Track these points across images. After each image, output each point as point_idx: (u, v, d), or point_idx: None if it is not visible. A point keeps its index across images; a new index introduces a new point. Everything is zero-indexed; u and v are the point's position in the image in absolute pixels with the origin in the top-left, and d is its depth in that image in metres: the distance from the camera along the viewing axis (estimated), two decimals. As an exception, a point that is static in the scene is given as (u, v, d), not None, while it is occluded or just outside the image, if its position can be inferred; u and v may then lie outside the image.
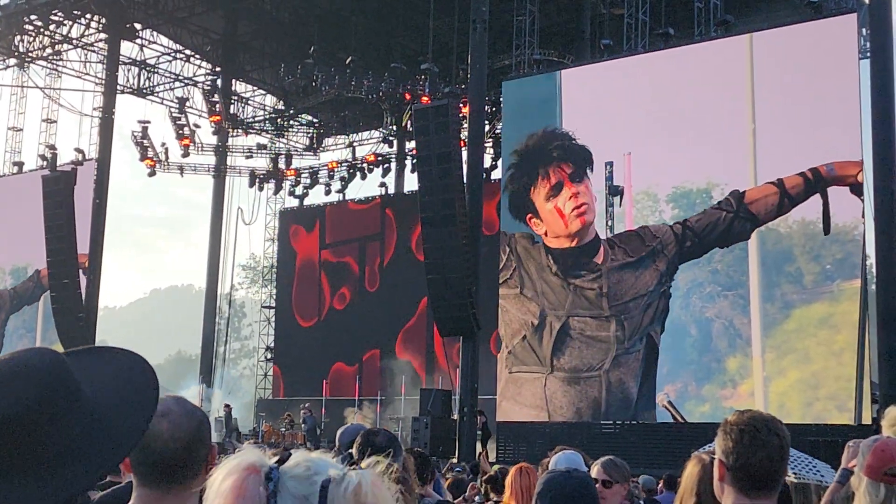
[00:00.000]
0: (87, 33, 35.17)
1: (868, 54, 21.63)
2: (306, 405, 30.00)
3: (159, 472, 2.40)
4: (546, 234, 23.65)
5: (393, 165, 39.65)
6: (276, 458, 1.56)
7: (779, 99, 20.99)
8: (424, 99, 28.28)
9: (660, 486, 12.17)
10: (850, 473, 4.06)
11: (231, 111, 39.44)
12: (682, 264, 21.72)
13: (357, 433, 4.18)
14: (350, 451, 1.71)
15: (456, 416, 23.98)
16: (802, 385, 20.21)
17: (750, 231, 21.09)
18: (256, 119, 41.20)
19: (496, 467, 8.55)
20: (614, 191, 22.91)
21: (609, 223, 22.81)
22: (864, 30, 24.56)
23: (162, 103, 38.25)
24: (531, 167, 24.00)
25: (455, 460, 20.42)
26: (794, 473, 5.81)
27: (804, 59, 20.86)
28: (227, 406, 30.60)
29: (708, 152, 21.76)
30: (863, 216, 19.86)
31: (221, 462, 1.55)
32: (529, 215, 23.86)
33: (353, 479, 1.51)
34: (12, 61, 36.31)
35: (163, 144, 37.91)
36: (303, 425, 29.08)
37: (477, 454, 21.04)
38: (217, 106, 38.00)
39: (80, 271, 30.42)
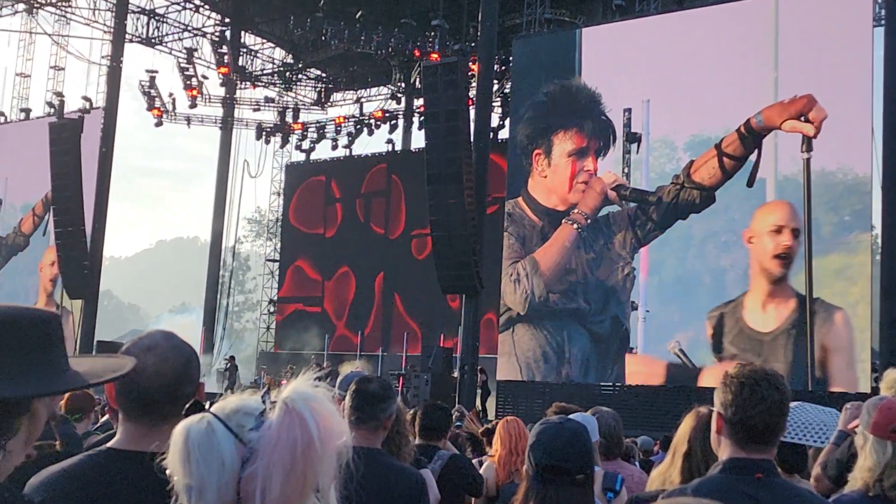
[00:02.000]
0: (96, -20, 34.95)
1: (882, 22, 21.43)
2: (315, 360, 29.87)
3: (143, 406, 2.39)
4: (542, 182, 23.90)
5: (400, 122, 39.52)
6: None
7: (799, 56, 20.82)
8: (434, 56, 28.09)
9: (656, 447, 12.22)
10: (846, 435, 4.06)
11: (239, 63, 39.24)
12: (694, 215, 21.73)
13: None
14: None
15: (456, 374, 24.07)
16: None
17: (699, 200, 21.44)
18: (265, 72, 41.01)
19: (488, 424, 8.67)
20: (632, 138, 22.92)
21: (626, 170, 22.86)
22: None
23: (170, 53, 38.08)
24: (562, 113, 24.11)
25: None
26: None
27: (823, 22, 20.68)
28: (229, 358, 30.73)
29: (727, 99, 21.69)
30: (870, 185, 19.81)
31: None
32: (539, 151, 24.08)
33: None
34: (21, 6, 36.10)
35: (170, 95, 37.77)
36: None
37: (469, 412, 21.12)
38: (225, 57, 37.80)
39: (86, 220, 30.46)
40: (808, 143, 20.26)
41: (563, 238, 23.40)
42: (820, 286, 19.98)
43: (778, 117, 20.70)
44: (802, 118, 20.33)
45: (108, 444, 2.41)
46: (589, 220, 23.03)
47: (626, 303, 22.34)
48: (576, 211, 23.27)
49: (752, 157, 20.93)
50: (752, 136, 20.99)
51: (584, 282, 22.98)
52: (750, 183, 20.92)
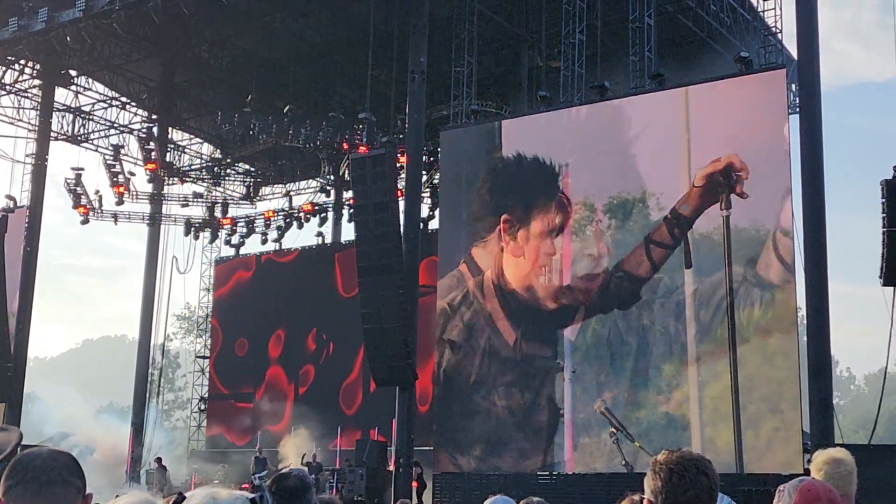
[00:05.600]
0: (20, 79, 34.77)
1: (797, 109, 22.09)
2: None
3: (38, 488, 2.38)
4: (509, 269, 23.49)
5: (330, 215, 39.56)
6: (172, 501, 1.50)
7: (713, 148, 21.36)
8: (362, 148, 28.30)
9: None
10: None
11: (167, 159, 39.11)
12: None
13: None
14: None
15: (392, 467, 23.76)
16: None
17: (636, 288, 21.67)
18: (193, 167, 40.89)
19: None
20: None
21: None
22: (793, 85, 25.14)
23: (97, 150, 37.82)
24: (525, 188, 23.65)
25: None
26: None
27: (737, 113, 21.26)
28: (157, 459, 29.94)
29: (644, 168, 22.16)
30: (792, 269, 20.18)
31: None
32: (505, 226, 23.53)
33: None
34: (-56, 106, 35.74)
35: (97, 192, 37.41)
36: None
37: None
38: (153, 154, 37.66)
39: (10, 321, 29.82)
40: (727, 200, 20.67)
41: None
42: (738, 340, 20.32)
43: (701, 181, 21.07)
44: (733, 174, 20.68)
45: None
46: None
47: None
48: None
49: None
50: (679, 223, 21.34)
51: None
52: (688, 264, 21.15)
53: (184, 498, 1.51)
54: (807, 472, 4.28)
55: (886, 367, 25.62)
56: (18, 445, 2.15)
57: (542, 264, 22.87)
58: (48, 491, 2.32)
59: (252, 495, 1.58)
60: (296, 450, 29.37)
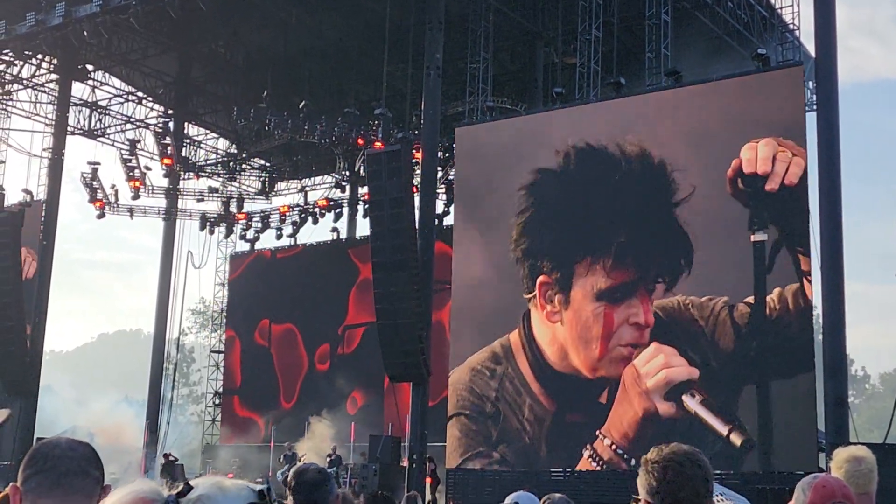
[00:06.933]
0: (37, 73, 34.91)
1: (815, 107, 21.99)
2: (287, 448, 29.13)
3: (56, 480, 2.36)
4: (557, 343, 21.95)
5: (345, 210, 39.59)
6: (177, 491, 1.49)
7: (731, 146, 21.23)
8: (377, 144, 28.31)
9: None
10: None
11: (183, 154, 39.20)
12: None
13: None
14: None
15: (405, 463, 23.78)
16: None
17: None
18: (208, 162, 41.00)
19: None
20: None
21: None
22: (810, 83, 25.03)
23: (113, 145, 37.95)
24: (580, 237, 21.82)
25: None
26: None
27: (754, 111, 21.15)
28: (166, 455, 29.88)
29: None
30: (808, 272, 20.09)
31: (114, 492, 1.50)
32: (546, 289, 21.90)
33: None
34: (-40, 101, 35.92)
35: (112, 186, 37.54)
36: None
37: (426, 501, 20.84)
38: (169, 148, 37.75)
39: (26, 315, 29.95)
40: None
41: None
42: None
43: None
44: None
45: None
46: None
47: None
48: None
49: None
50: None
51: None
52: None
53: (191, 488, 1.51)
54: (821, 471, 4.26)
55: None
56: (7, 420, 2.16)
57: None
58: (67, 482, 2.31)
59: (259, 486, 1.58)
60: (311, 445, 29.46)
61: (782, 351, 19.91)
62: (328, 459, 26.53)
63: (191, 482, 1.54)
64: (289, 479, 4.01)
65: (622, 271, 21.01)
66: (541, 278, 22.00)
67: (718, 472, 17.01)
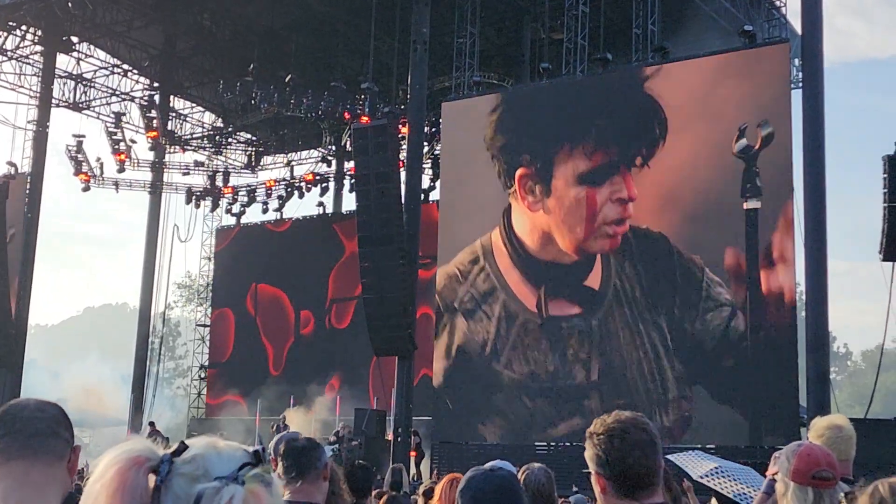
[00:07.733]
0: (22, 45, 34.66)
1: (800, 84, 22.04)
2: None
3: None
4: (538, 231, 22.28)
5: (331, 185, 39.53)
6: (172, 450, 1.51)
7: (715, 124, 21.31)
8: (364, 119, 28.23)
9: (591, 505, 12.20)
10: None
11: (168, 127, 39.04)
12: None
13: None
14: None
15: (390, 437, 23.88)
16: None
17: None
18: (194, 136, 40.83)
19: (428, 482, 8.58)
20: None
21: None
22: (796, 60, 25.08)
23: (98, 118, 37.74)
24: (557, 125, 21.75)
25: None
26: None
27: (739, 86, 21.20)
28: (150, 423, 29.87)
29: None
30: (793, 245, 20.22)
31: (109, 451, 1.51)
32: (526, 181, 22.04)
33: (225, 496, 1.46)
34: (-56, 72, 35.64)
35: (98, 160, 37.39)
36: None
37: (410, 475, 20.95)
38: (154, 122, 37.60)
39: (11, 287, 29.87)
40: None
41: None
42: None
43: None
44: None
45: None
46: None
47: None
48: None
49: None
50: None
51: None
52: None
53: (186, 447, 1.54)
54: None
55: (884, 343, 25.73)
56: None
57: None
58: (36, 443, 2.29)
59: (253, 448, 1.62)
60: (297, 420, 29.49)
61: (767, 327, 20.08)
62: (334, 436, 26.68)
63: (186, 442, 1.57)
64: (276, 446, 4.06)
65: (603, 152, 21.24)
66: (520, 171, 22.29)
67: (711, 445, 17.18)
